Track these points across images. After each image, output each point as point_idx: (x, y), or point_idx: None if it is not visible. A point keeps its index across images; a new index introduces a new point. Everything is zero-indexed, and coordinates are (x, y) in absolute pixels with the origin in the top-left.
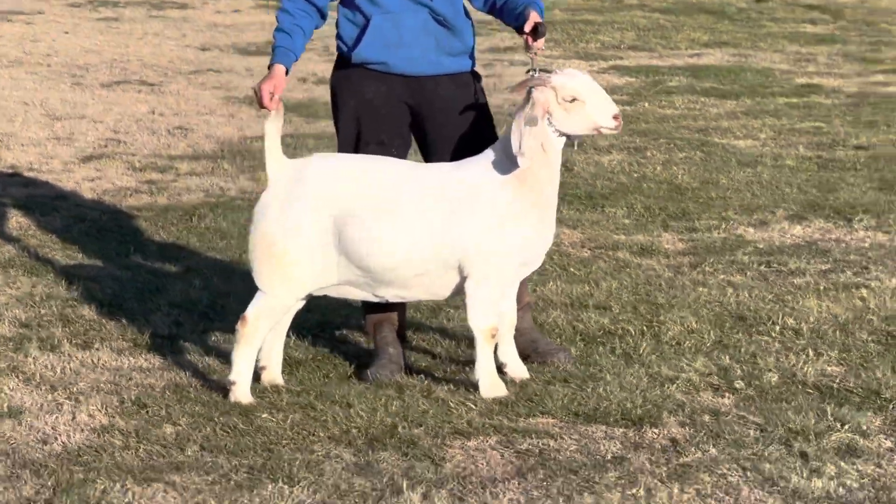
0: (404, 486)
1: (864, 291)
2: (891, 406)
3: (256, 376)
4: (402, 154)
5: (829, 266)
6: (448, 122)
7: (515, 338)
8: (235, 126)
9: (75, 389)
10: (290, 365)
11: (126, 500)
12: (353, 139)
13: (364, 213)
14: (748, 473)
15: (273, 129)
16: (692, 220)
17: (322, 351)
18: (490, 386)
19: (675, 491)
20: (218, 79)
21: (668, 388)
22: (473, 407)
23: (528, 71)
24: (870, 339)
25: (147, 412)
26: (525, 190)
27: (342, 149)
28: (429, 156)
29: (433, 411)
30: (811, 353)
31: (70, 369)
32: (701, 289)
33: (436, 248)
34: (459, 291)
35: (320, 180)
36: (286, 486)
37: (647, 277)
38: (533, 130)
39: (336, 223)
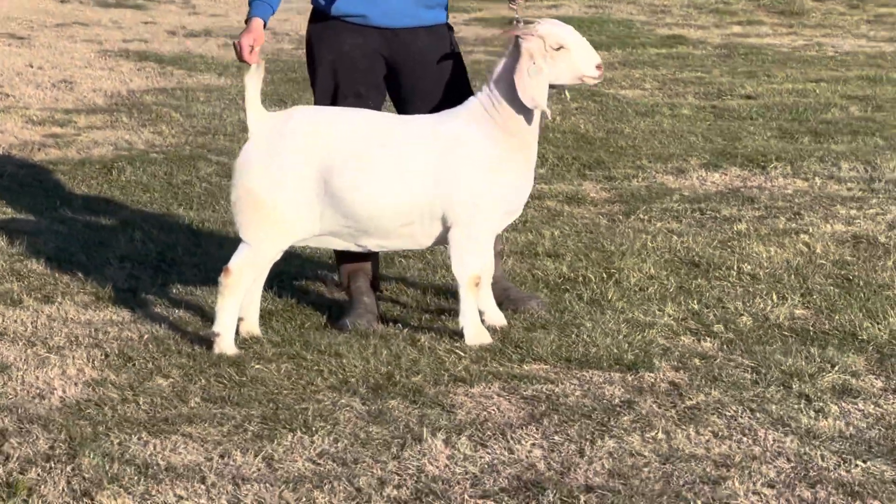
0: (424, 433)
1: (805, 237)
2: (869, 347)
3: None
4: (377, 106)
5: (762, 213)
6: (424, 73)
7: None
8: (118, 80)
9: (53, 344)
10: (262, 316)
11: (148, 452)
12: (331, 92)
13: (350, 164)
14: (757, 415)
15: (253, 83)
16: (608, 169)
17: (290, 301)
18: (475, 334)
19: (692, 433)
20: (87, 32)
21: (648, 333)
22: (463, 354)
23: (510, 23)
24: (827, 282)
25: (134, 365)
26: (509, 138)
27: (319, 101)
28: (403, 108)
29: (425, 360)
30: (775, 297)
31: (41, 324)
32: (644, 236)
33: (422, 197)
34: (441, 241)
35: (305, 132)
36: (305, 436)
37: (584, 225)
38: (539, 78)
39: (321, 174)
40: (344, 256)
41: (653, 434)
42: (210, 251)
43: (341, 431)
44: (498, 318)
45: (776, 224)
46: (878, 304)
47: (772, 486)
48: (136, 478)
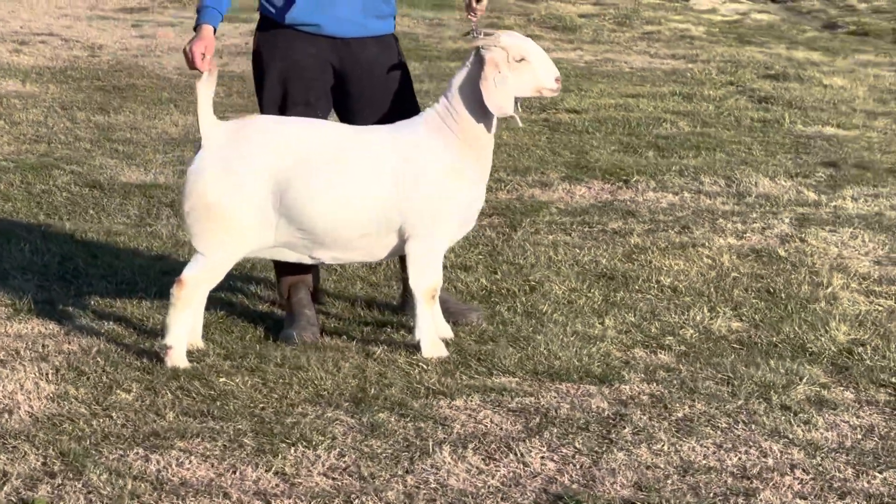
0: (430, 446)
1: (704, 251)
2: (823, 360)
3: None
4: (324, 116)
5: (649, 226)
6: (372, 83)
7: None
8: None
9: None
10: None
11: (153, 467)
12: (279, 101)
13: (309, 174)
14: (752, 427)
15: (205, 90)
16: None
17: (220, 313)
18: (431, 346)
19: (697, 445)
20: None
21: (600, 345)
22: (427, 367)
23: (469, 33)
24: (751, 295)
25: (89, 378)
26: (467, 149)
27: (267, 110)
28: (349, 117)
29: (391, 372)
30: (706, 310)
31: None
32: (542, 248)
33: (381, 209)
34: (395, 253)
35: (261, 141)
36: (308, 450)
37: (476, 238)
38: (505, 87)
39: (278, 184)
40: (284, 268)
41: (660, 447)
42: (109, 261)
43: (343, 445)
44: (445, 331)
45: (669, 237)
46: (811, 316)
47: (803, 498)
48: (154, 494)
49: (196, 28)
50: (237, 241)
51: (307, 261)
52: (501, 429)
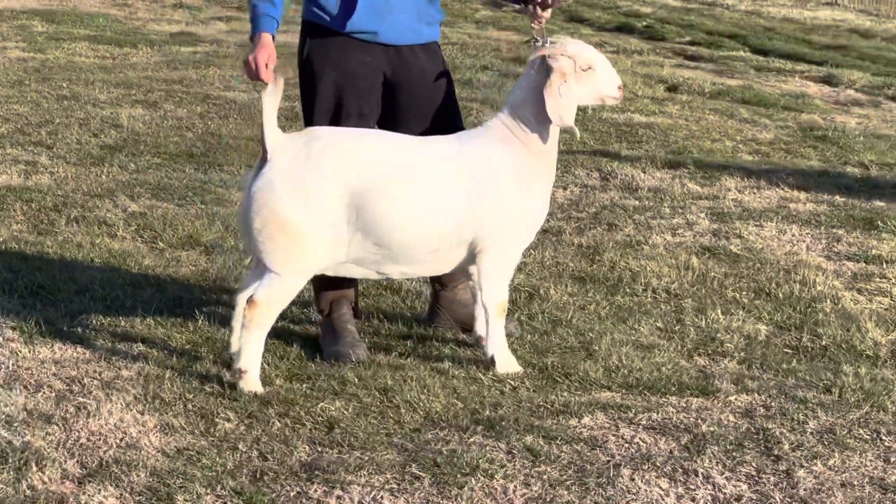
0: (604, 470)
1: (654, 249)
2: (887, 361)
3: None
4: (374, 126)
5: (574, 224)
6: (422, 92)
7: (459, 309)
8: None
9: (61, 388)
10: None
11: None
12: (332, 111)
13: (383, 189)
14: (855, 430)
15: (271, 102)
16: None
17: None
18: (506, 361)
19: (865, 461)
20: None
21: (660, 354)
22: (516, 384)
23: (531, 41)
24: (751, 296)
25: (176, 407)
26: (535, 159)
27: (318, 121)
28: (394, 126)
29: (485, 392)
30: (720, 312)
31: (15, 366)
32: None
33: (456, 223)
34: (461, 267)
35: (333, 154)
36: (490, 480)
37: None
38: (571, 97)
39: (353, 199)
40: (325, 283)
41: (834, 461)
42: (78, 279)
43: (519, 473)
44: None
45: (610, 236)
46: (837, 318)
47: None
48: None
49: (253, 38)
50: (311, 257)
51: (373, 276)
52: (659, 448)
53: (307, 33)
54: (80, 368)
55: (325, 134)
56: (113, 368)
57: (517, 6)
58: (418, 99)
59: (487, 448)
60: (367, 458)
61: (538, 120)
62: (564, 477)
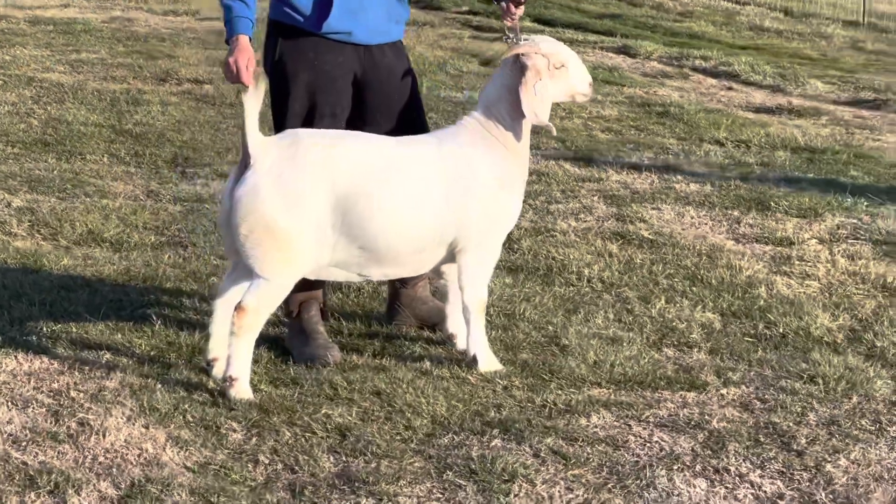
0: (641, 472)
1: (565, 237)
2: (844, 347)
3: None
4: (343, 127)
5: None
6: (390, 91)
7: (418, 307)
8: None
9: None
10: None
11: None
12: (305, 112)
13: (372, 191)
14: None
15: (253, 104)
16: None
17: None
18: (488, 360)
19: (884, 448)
20: None
21: (632, 347)
22: (506, 383)
23: (506, 39)
24: (683, 284)
25: (175, 418)
26: (511, 156)
27: (291, 122)
28: (364, 125)
29: (480, 392)
30: (664, 301)
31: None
32: None
33: (440, 223)
34: (438, 266)
35: (317, 157)
36: (528, 484)
37: None
38: (545, 95)
39: (339, 201)
40: (295, 285)
41: (855, 455)
42: (23, 282)
43: (553, 476)
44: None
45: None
46: (780, 304)
47: None
48: None
49: (229, 41)
50: (298, 262)
51: (355, 279)
52: (681, 446)
53: (278, 34)
54: (59, 381)
55: (306, 136)
56: (92, 380)
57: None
58: (387, 98)
59: (512, 451)
60: (397, 466)
61: (513, 118)
62: (601, 479)
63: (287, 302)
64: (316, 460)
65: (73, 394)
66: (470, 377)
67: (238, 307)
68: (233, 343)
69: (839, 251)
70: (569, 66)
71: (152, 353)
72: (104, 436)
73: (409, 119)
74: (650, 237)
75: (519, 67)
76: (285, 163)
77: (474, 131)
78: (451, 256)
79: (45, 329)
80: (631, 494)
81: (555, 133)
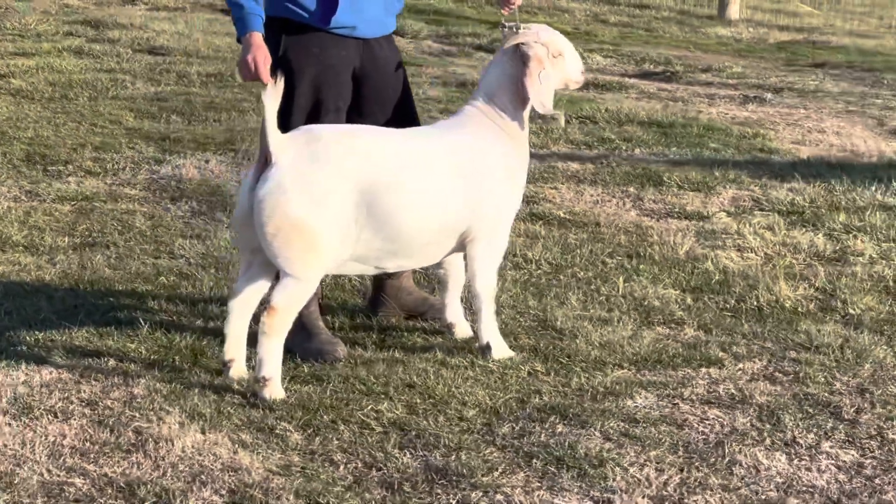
0: (725, 450)
1: None
2: (817, 316)
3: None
4: (344, 119)
5: None
6: (386, 83)
7: (404, 297)
8: None
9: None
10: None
11: None
12: (309, 107)
13: (394, 185)
14: None
15: (272, 102)
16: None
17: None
18: (500, 347)
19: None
20: None
21: (620, 327)
22: (528, 370)
23: (504, 27)
24: (629, 262)
25: (229, 422)
26: (517, 146)
27: (296, 118)
28: (361, 118)
29: (510, 378)
30: (622, 280)
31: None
32: None
33: (456, 214)
34: (447, 256)
35: (339, 153)
36: (620, 468)
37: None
38: (549, 84)
39: (362, 196)
40: None
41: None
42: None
43: (642, 459)
44: (466, 329)
45: None
46: (733, 277)
47: None
48: None
49: (241, 39)
50: (325, 258)
51: (370, 272)
52: (741, 422)
53: (280, 30)
54: (83, 390)
55: (324, 132)
56: (116, 387)
57: None
58: (383, 90)
59: (584, 436)
60: (479, 458)
61: (515, 106)
62: (683, 459)
63: None
64: (393, 456)
65: (107, 402)
66: (490, 365)
67: (268, 308)
68: (263, 343)
69: (758, 224)
70: (565, 54)
71: (154, 358)
72: (171, 443)
73: (403, 111)
74: (567, 216)
75: (520, 57)
76: (306, 160)
77: (479, 121)
78: (459, 246)
79: (27, 338)
80: (719, 472)
81: (563, 123)
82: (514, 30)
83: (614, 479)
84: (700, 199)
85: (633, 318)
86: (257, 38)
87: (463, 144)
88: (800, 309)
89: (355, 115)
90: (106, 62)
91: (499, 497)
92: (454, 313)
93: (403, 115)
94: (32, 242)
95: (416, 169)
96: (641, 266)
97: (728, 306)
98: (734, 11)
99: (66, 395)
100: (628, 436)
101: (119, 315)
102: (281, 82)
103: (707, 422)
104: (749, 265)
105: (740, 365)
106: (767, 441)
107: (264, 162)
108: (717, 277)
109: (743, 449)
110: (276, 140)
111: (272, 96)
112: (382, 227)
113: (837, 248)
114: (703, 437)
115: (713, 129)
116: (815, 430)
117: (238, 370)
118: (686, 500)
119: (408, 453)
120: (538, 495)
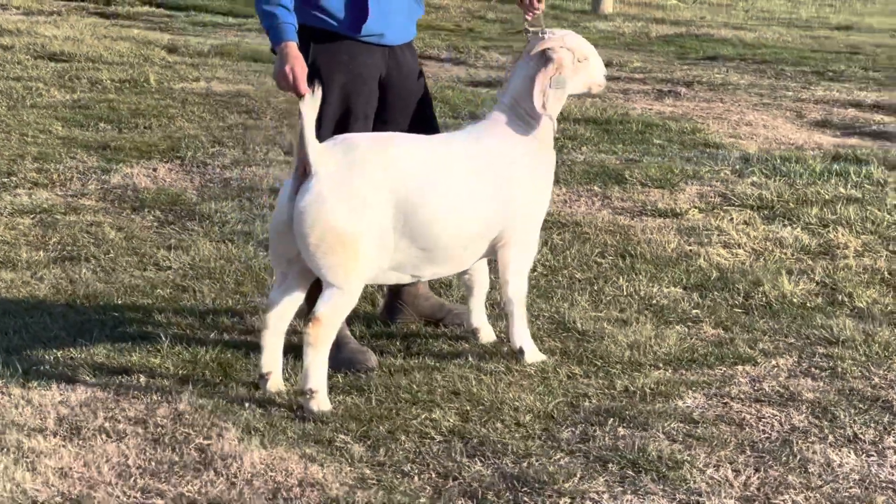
0: (794, 447)
1: None
2: (824, 311)
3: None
4: (371, 127)
5: None
6: (409, 89)
7: (421, 303)
8: None
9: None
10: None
11: None
12: (339, 116)
13: (432, 192)
14: None
15: (311, 113)
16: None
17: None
18: (533, 351)
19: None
20: None
21: (640, 326)
22: (561, 371)
23: (525, 31)
24: (620, 261)
25: (286, 437)
26: (545, 150)
27: (325, 126)
28: (384, 125)
29: (552, 383)
30: (624, 280)
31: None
32: None
33: (491, 219)
34: (477, 261)
35: (377, 161)
36: (697, 471)
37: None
38: (558, 92)
39: (400, 204)
40: (314, 291)
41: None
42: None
43: (715, 459)
44: (490, 334)
45: None
46: (732, 273)
47: None
48: None
49: (276, 49)
50: (366, 267)
51: (406, 280)
52: (798, 420)
53: (309, 38)
54: (126, 409)
55: (360, 140)
56: (158, 405)
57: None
58: (406, 97)
59: (649, 438)
60: (553, 464)
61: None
62: (754, 458)
63: (309, 309)
64: (465, 465)
65: (156, 420)
66: (527, 369)
67: (313, 319)
68: (309, 355)
69: (735, 220)
70: (590, 58)
71: (182, 373)
72: (239, 460)
73: (423, 117)
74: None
75: (545, 61)
76: (345, 169)
77: (507, 126)
78: (490, 251)
79: (46, 357)
80: (794, 471)
81: (556, 128)
82: (540, 35)
83: (695, 482)
84: (667, 195)
85: (649, 317)
86: (293, 47)
87: (494, 149)
88: (808, 304)
89: (378, 122)
90: (10, 70)
91: (587, 503)
92: (479, 318)
93: (425, 121)
94: (8, 258)
95: (452, 175)
96: (637, 265)
97: (737, 303)
98: (608, 6)
99: (111, 414)
100: (693, 437)
101: (130, 330)
102: (319, 92)
103: (764, 420)
104: (741, 261)
105: (773, 362)
106: (830, 438)
107: (303, 172)
108: (714, 275)
109: (810, 447)
110: (315, 150)
111: (310, 106)
112: (420, 234)
113: (821, 242)
114: (766, 435)
115: (650, 124)
116: (873, 425)
117: (275, 383)
118: (773, 500)
119: (478, 461)
120: (626, 499)
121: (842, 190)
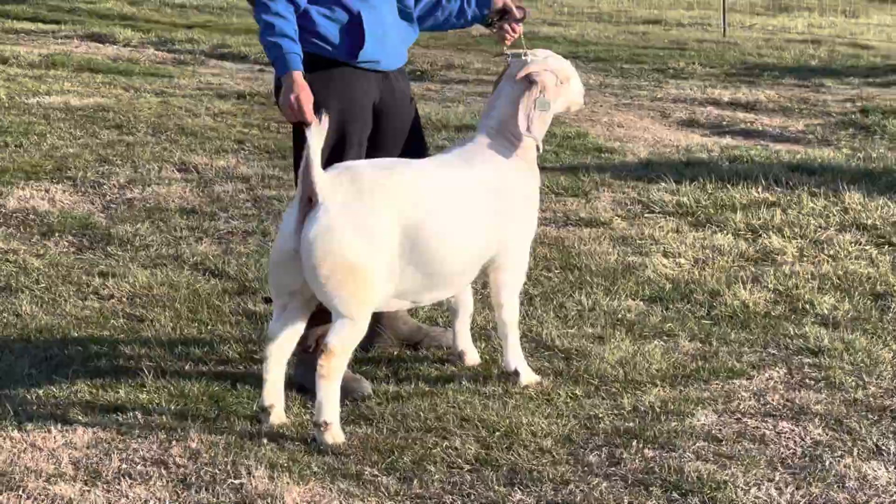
0: (825, 459)
1: None
2: (788, 319)
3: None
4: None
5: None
6: (402, 115)
7: (400, 326)
8: None
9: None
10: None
11: None
12: (333, 143)
13: (436, 219)
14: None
15: (318, 142)
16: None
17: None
18: (527, 372)
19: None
20: None
21: (620, 341)
22: (560, 393)
23: (504, 55)
24: (563, 274)
25: (326, 474)
26: (531, 172)
27: (322, 153)
28: (377, 151)
29: (559, 404)
30: (584, 295)
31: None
32: None
33: (488, 244)
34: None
35: (383, 189)
36: (743, 488)
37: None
38: (543, 114)
39: (406, 231)
40: (315, 319)
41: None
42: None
43: (755, 477)
44: (475, 357)
45: None
46: (685, 284)
47: None
48: None
49: (281, 78)
50: (375, 296)
51: (406, 306)
52: (816, 433)
53: (305, 65)
54: (139, 449)
55: (363, 169)
56: (170, 443)
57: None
58: (399, 122)
59: (680, 459)
60: (594, 490)
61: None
62: (788, 476)
63: (306, 337)
64: (505, 494)
65: (174, 459)
66: (526, 392)
67: (324, 350)
68: (322, 387)
69: (665, 227)
70: (571, 79)
71: (176, 408)
72: (281, 499)
73: (415, 142)
74: None
75: (529, 83)
76: (351, 199)
77: (496, 150)
78: (481, 274)
79: (27, 396)
80: (833, 486)
81: (541, 151)
82: (523, 57)
83: (741, 502)
84: (583, 204)
85: (623, 333)
86: (298, 77)
87: (487, 173)
88: (772, 312)
89: (371, 148)
90: None
91: None
92: (464, 341)
93: (415, 146)
94: None
95: (454, 200)
96: (586, 277)
97: (703, 314)
98: None
99: (124, 455)
100: (723, 455)
101: (101, 364)
102: (326, 121)
103: (784, 435)
104: (687, 271)
105: (764, 375)
106: (856, 451)
107: (308, 201)
108: (668, 286)
109: (839, 460)
110: (322, 180)
111: (317, 135)
112: (426, 259)
113: (758, 248)
114: (792, 451)
115: (568, 136)
116: (891, 435)
117: (278, 416)
118: None
119: (518, 491)
120: None
121: (756, 194)
